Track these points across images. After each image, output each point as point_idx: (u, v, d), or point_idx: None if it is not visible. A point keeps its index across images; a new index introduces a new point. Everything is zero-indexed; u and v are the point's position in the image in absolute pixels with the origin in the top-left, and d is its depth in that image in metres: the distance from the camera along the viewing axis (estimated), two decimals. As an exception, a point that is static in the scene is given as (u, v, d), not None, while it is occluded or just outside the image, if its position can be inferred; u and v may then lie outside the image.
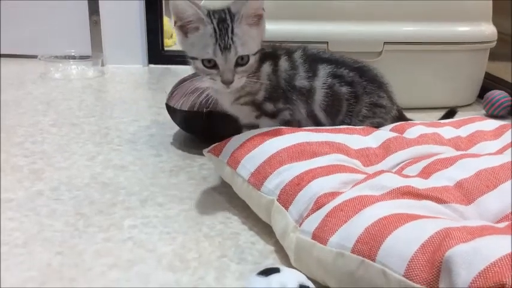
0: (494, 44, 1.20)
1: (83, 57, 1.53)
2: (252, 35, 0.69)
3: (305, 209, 0.55)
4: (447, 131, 0.77)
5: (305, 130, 0.70)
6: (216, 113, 0.85)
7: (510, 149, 0.71)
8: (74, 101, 1.20)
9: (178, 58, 1.65)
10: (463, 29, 1.16)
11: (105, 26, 1.58)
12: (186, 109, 0.88)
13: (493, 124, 0.81)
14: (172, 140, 0.94)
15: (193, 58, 0.70)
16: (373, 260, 0.44)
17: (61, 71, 1.46)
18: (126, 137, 0.95)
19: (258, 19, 0.70)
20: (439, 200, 0.52)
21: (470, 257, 0.39)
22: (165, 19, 1.84)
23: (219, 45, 0.66)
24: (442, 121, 0.83)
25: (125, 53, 1.60)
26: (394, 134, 0.72)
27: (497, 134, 0.77)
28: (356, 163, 0.65)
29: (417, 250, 0.42)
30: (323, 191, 0.55)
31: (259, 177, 0.62)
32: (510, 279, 0.36)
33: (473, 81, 1.23)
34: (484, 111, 1.17)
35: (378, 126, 0.79)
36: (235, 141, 0.69)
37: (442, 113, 1.15)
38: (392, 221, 0.46)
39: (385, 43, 1.11)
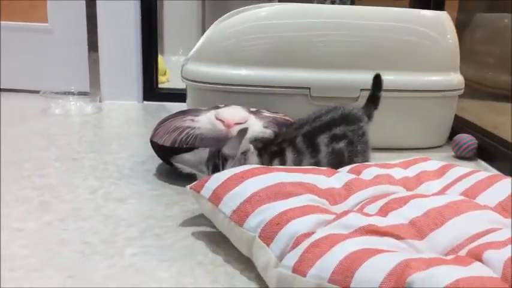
0: (461, 91, 1.33)
1: (81, 94, 1.62)
2: None
3: (285, 247, 0.63)
4: (397, 171, 0.88)
5: (279, 170, 0.78)
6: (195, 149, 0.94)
7: (452, 188, 0.81)
8: (73, 136, 1.28)
9: (172, 95, 1.77)
10: (433, 78, 1.28)
11: (103, 64, 1.68)
12: (168, 145, 0.97)
13: (435, 164, 0.91)
14: (167, 176, 1.03)
15: None
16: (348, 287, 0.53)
17: (61, 107, 1.54)
18: (124, 172, 1.04)
19: None
20: (398, 237, 0.61)
21: (426, 283, 0.48)
22: (159, 57, 1.95)
23: None
24: (392, 162, 0.93)
25: (121, 90, 1.70)
26: (353, 176, 0.82)
27: (439, 174, 0.87)
28: (324, 202, 0.74)
29: (384, 278, 0.51)
30: (301, 231, 0.63)
31: (240, 215, 0.70)
32: None
33: (443, 125, 1.35)
34: (453, 153, 1.28)
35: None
36: (216, 179, 0.76)
37: (414, 153, 1.27)
38: (362, 254, 0.55)
39: (361, 90, 1.22)
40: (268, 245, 0.64)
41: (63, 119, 1.45)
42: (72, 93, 1.61)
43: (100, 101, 1.67)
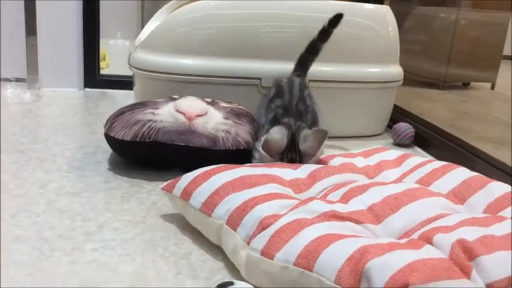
0: (400, 82, 1.40)
1: (19, 80, 1.55)
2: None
3: (251, 230, 0.67)
4: (359, 160, 0.93)
5: (244, 166, 0.82)
6: (158, 143, 0.95)
7: (409, 176, 0.88)
8: (15, 126, 1.23)
9: (114, 82, 1.73)
10: (374, 70, 1.34)
11: (41, 48, 1.61)
12: (129, 139, 0.96)
13: (394, 154, 0.98)
14: (119, 168, 1.02)
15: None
16: (311, 270, 0.57)
17: (-3, 94, 1.47)
18: (75, 164, 1.02)
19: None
20: (357, 221, 0.66)
21: (383, 267, 0.53)
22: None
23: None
24: (354, 151, 0.99)
25: (61, 77, 1.64)
26: (318, 166, 0.86)
27: (398, 163, 0.94)
28: (289, 191, 0.78)
29: (344, 262, 0.55)
30: (265, 214, 0.67)
31: (209, 206, 0.73)
32: (413, 281, 0.50)
33: (383, 114, 1.42)
34: (392, 140, 1.36)
35: None
36: (186, 178, 0.80)
37: (355, 141, 1.33)
38: (325, 240, 0.59)
39: (309, 80, 1.26)
40: (235, 230, 0.69)
41: (1, 108, 1.38)
42: (9, 80, 1.54)
43: (39, 88, 1.60)
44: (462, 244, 0.57)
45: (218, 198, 0.73)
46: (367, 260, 0.54)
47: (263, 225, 0.66)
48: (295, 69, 1.18)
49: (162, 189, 0.82)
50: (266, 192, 0.73)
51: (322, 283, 0.56)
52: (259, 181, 0.76)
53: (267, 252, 0.62)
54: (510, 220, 0.66)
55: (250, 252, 0.64)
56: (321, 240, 0.59)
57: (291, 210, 0.68)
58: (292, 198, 0.74)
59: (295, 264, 0.58)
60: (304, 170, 0.84)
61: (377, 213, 0.68)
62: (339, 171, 0.84)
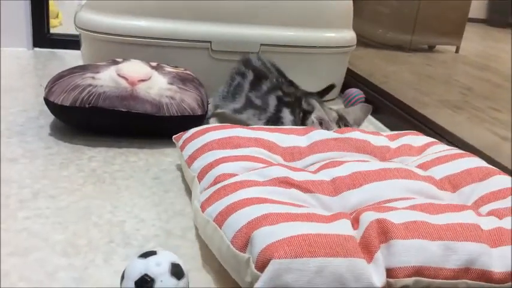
0: (354, 47, 1.40)
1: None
2: None
3: (207, 184, 0.71)
4: (379, 140, 0.87)
5: (245, 128, 0.84)
6: (98, 109, 0.93)
7: (418, 161, 0.81)
8: (-45, 87, 1.19)
9: (65, 41, 1.67)
10: (328, 35, 1.33)
11: (-15, 6, 1.54)
12: (68, 104, 0.93)
13: (422, 140, 0.89)
14: (62, 133, 1.00)
15: None
16: (220, 228, 0.60)
17: None
18: (16, 129, 0.99)
19: None
20: (306, 190, 0.66)
21: (266, 236, 0.54)
22: (50, -1, 1.80)
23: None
24: (384, 133, 0.92)
25: (7, 35, 1.57)
26: (325, 136, 0.83)
27: (420, 150, 0.86)
28: (276, 158, 0.80)
29: (243, 225, 0.57)
30: (222, 172, 0.70)
31: (192, 159, 0.79)
32: (279, 255, 0.51)
33: (336, 79, 1.42)
34: (343, 106, 1.37)
35: None
36: (190, 131, 0.86)
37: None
38: (246, 202, 0.61)
39: (261, 45, 1.25)
40: (199, 182, 0.73)
41: None
42: (-49, 38, 1.47)
43: (-16, 47, 1.54)
44: (380, 224, 0.57)
45: (200, 153, 0.78)
46: (259, 227, 0.55)
47: (216, 181, 0.69)
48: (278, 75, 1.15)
49: (174, 138, 0.89)
50: (243, 154, 0.75)
51: (223, 241, 0.58)
52: (244, 143, 0.79)
53: (203, 206, 0.66)
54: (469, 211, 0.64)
55: (196, 203, 0.68)
56: (243, 202, 0.61)
57: (248, 171, 0.70)
58: (266, 162, 0.75)
59: (214, 220, 0.61)
60: (309, 139, 0.84)
61: (337, 186, 0.68)
62: (341, 148, 0.81)
